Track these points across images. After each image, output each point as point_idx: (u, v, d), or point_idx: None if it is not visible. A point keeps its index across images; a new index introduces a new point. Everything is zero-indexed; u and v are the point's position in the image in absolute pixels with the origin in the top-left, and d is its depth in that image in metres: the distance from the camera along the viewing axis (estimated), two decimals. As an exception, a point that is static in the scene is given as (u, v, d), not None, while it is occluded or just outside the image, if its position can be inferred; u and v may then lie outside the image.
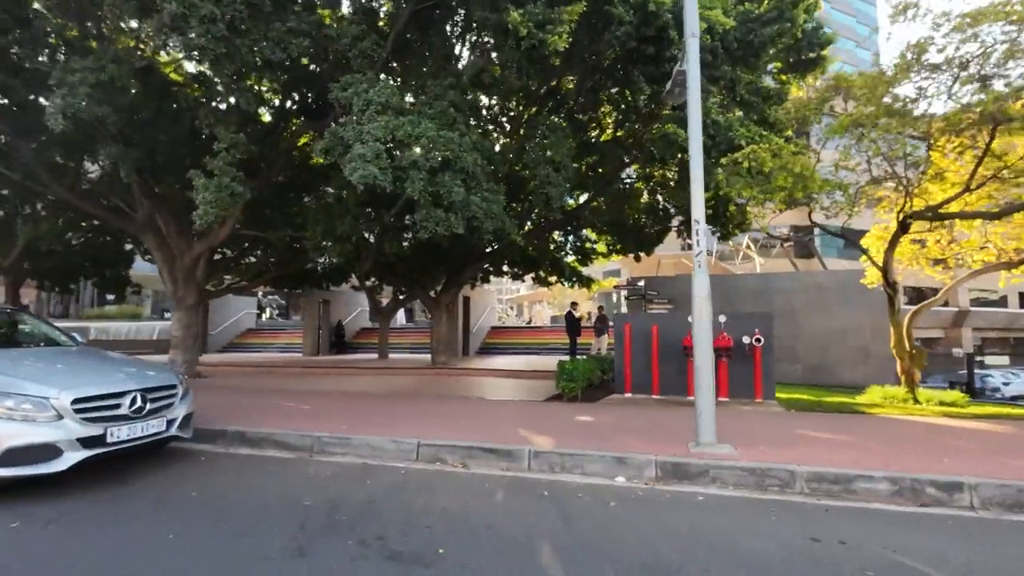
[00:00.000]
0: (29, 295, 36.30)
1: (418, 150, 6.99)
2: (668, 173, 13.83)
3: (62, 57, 7.89)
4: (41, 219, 13.84)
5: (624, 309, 25.47)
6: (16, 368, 4.64)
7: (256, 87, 9.67)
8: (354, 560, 2.99)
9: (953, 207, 9.32)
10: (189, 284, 12.70)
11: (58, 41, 9.03)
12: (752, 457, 4.81)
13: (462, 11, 9.77)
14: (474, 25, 9.71)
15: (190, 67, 10.00)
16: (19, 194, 12.82)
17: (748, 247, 24.23)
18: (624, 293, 23.47)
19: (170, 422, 5.00)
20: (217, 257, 18.65)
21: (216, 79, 8.27)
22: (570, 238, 19.04)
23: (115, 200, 12.21)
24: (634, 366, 10.26)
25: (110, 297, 33.95)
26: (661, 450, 5.05)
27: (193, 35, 6.70)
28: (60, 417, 4.19)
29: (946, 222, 10.50)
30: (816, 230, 17.13)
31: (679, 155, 9.52)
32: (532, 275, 20.51)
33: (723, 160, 8.47)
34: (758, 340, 9.59)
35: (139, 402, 4.69)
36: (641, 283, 17.77)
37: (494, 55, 8.88)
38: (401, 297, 22.21)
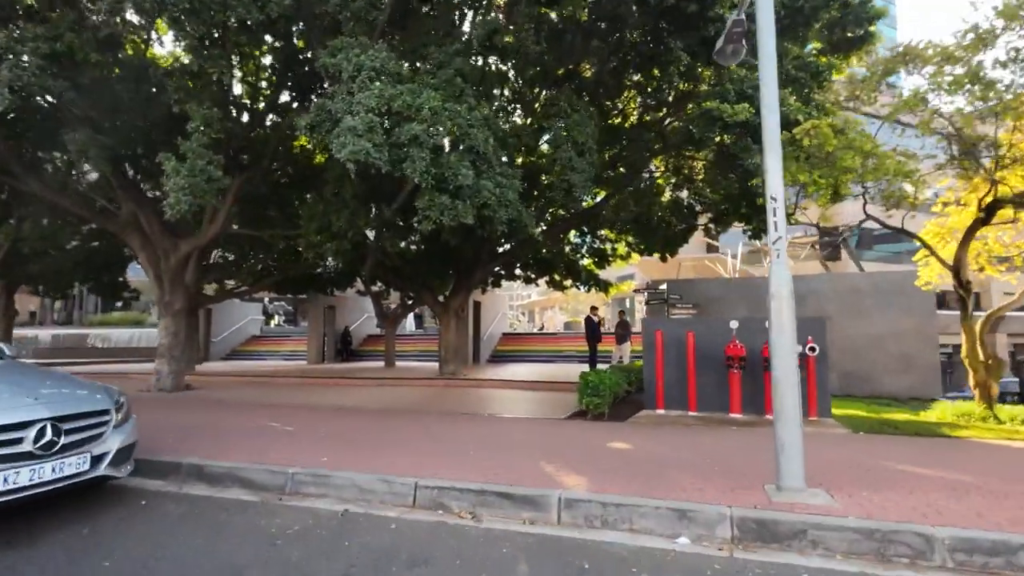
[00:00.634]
0: (33, 302, 35.84)
1: (419, 124, 5.85)
2: (696, 164, 12.61)
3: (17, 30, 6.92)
4: (24, 218, 12.91)
5: (640, 314, 24.16)
6: None
7: (234, 58, 8.48)
8: None
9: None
10: (176, 287, 11.68)
11: (16, 10, 8.00)
12: (859, 509, 3.59)
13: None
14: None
15: (160, 46, 8.82)
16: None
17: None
18: (643, 297, 22.26)
19: (97, 459, 3.89)
20: (218, 260, 17.75)
21: (179, 41, 7.22)
22: (587, 238, 17.84)
23: (96, 196, 11.25)
24: (667, 379, 9.08)
25: (118, 304, 33.33)
26: (733, 497, 3.84)
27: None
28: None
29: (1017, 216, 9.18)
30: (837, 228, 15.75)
31: (719, 137, 8.32)
32: (546, 279, 19.36)
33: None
34: (812, 349, 8.37)
35: (49, 435, 3.59)
36: (663, 286, 16.60)
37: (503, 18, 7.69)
38: (408, 302, 21.14)
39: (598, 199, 14.09)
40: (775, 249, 4.16)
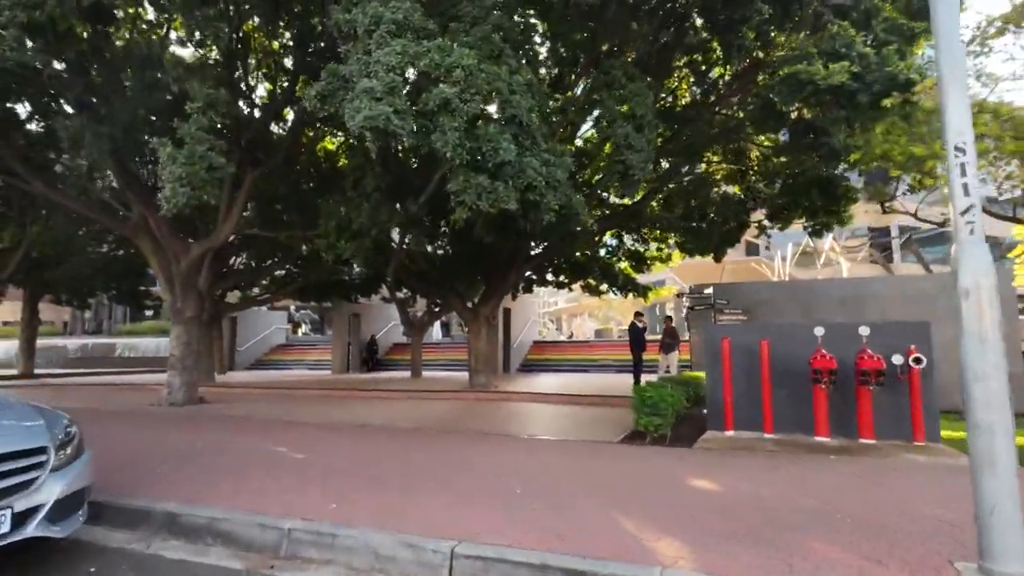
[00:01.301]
0: (66, 312, 36.16)
1: (450, 87, 4.76)
2: (752, 154, 11.24)
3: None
4: (33, 221, 12.34)
5: (673, 321, 22.70)
6: None
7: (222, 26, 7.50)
8: None
9: None
10: (188, 293, 10.86)
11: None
12: None
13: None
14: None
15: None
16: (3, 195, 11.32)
17: (832, 248, 21.08)
18: (686, 302, 20.88)
19: (23, 516, 2.88)
20: (239, 266, 17.06)
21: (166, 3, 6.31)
22: (625, 239, 16.58)
23: (105, 196, 10.54)
24: (736, 394, 7.79)
25: (148, 312, 33.36)
26: (918, 585, 2.59)
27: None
28: None
29: None
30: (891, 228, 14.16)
31: (798, 112, 7.03)
32: (580, 283, 18.15)
33: (887, 101, 5.92)
34: (917, 360, 7.02)
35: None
36: (708, 290, 15.29)
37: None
38: (435, 309, 20.17)
39: (636, 197, 12.84)
40: (966, 223, 2.88)
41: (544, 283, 18.92)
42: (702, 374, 10.67)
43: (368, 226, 8.26)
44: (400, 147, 7.90)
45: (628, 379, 15.06)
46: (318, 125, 12.81)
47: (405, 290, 19.26)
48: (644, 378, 12.86)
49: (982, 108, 5.86)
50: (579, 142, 9.93)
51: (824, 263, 21.77)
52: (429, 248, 11.30)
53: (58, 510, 3.05)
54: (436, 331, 31.92)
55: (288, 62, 9.53)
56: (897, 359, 7.01)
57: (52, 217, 12.93)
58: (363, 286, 18.31)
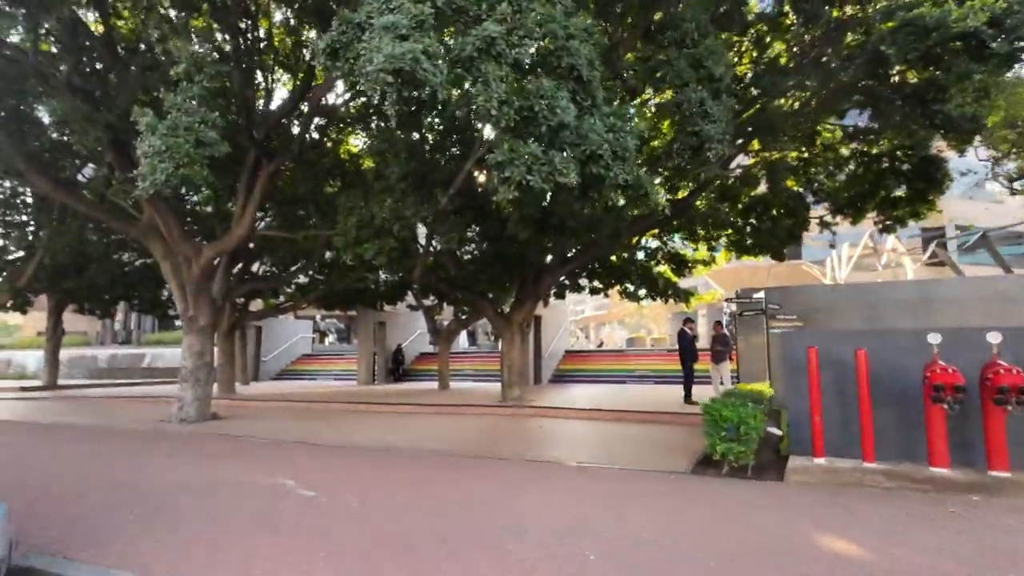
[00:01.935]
0: (97, 323, 36.36)
1: (495, 25, 3.69)
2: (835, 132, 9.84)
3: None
4: (50, 228, 11.77)
5: (708, 328, 21.20)
6: None
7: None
8: None
9: None
10: (201, 300, 10.06)
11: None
12: None
13: None
14: None
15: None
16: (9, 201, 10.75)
17: (894, 248, 19.34)
18: (727, 309, 19.43)
19: None
20: (263, 272, 16.36)
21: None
22: (668, 239, 15.32)
23: (115, 198, 9.83)
24: (825, 414, 6.54)
25: (177, 322, 33.21)
26: None
27: None
28: None
29: None
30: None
31: (912, 70, 5.75)
32: (618, 288, 16.89)
33: (995, 44, 4.65)
34: (1072, 375, 5.66)
35: None
36: (759, 295, 13.94)
37: None
38: (463, 317, 19.17)
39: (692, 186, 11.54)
40: None
41: (577, 288, 17.72)
42: (762, 386, 9.38)
43: (391, 221, 7.27)
44: (426, 129, 6.89)
45: (669, 391, 13.74)
46: (339, 123, 11.97)
47: (432, 297, 18.32)
48: (696, 391, 11.63)
49: None
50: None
51: (885, 265, 20.05)
52: (460, 248, 10.26)
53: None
54: (463, 340, 30.95)
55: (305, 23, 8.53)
56: (1047, 373, 5.67)
57: (64, 222, 12.37)
58: (388, 293, 17.46)
